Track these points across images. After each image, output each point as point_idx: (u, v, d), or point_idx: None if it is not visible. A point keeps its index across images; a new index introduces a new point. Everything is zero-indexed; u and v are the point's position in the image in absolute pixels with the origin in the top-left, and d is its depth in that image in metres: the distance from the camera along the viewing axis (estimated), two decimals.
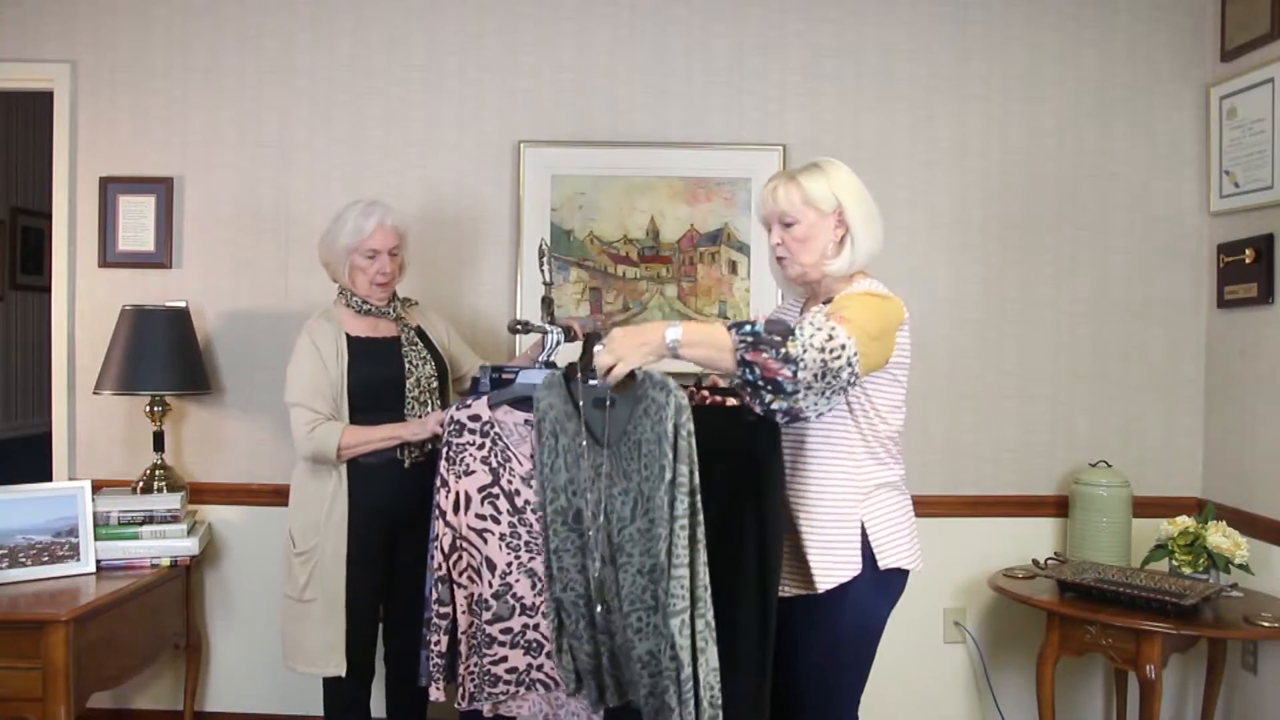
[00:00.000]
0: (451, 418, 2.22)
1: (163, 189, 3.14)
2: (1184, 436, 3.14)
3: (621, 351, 1.77)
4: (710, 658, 1.79)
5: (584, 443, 1.91)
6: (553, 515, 2.01)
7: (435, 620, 2.20)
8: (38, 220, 4.84)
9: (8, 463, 3.71)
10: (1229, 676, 2.89)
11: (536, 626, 2.18)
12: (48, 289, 3.23)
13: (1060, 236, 3.14)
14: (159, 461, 2.98)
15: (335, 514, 2.49)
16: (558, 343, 2.40)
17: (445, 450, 2.22)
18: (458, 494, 2.20)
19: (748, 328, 1.73)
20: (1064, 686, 3.05)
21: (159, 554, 2.81)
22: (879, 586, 1.94)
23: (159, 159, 3.15)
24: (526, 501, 2.18)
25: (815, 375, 1.70)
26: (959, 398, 3.15)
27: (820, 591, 1.90)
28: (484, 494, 2.20)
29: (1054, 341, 3.15)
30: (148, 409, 2.97)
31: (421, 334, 2.67)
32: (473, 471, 2.20)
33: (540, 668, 2.20)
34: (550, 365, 2.32)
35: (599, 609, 1.94)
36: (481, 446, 2.21)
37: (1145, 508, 3.00)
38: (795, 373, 1.69)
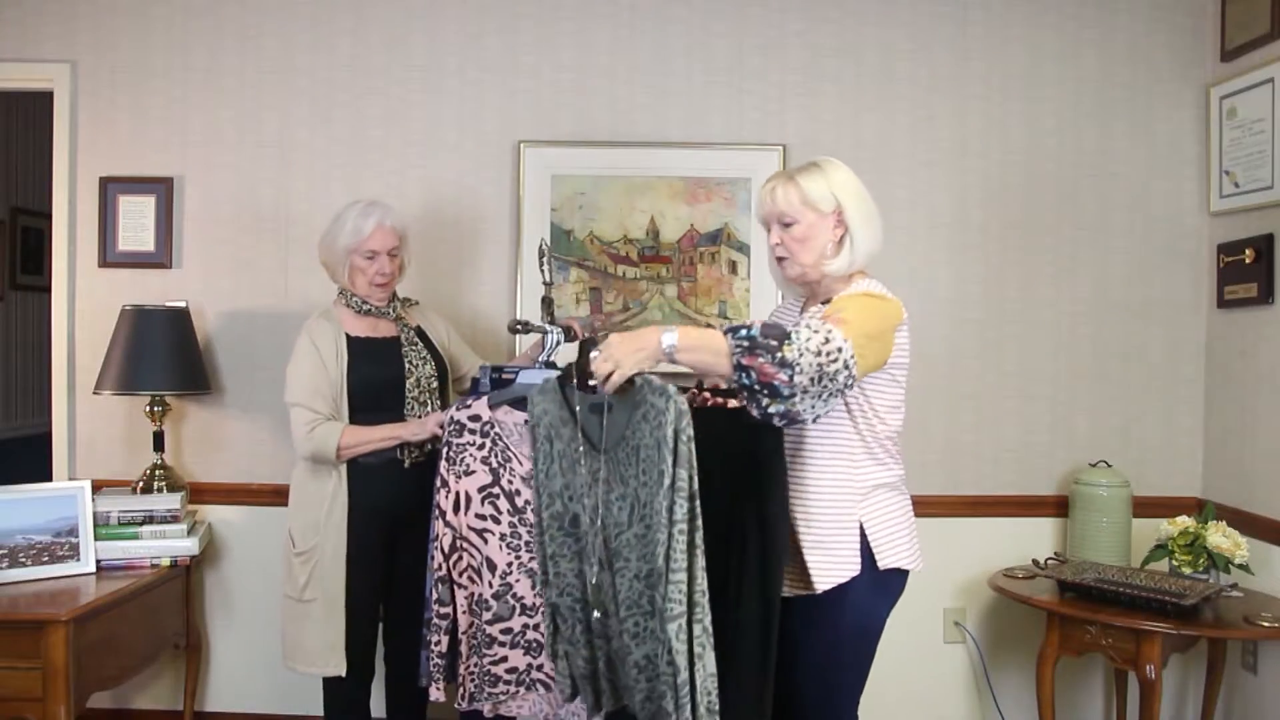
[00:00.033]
0: (452, 418, 2.22)
1: (163, 189, 3.14)
2: (1184, 436, 3.14)
3: (618, 357, 1.77)
4: (707, 663, 1.79)
5: (580, 448, 1.91)
6: (549, 520, 2.01)
7: (435, 620, 2.20)
8: (38, 220, 4.84)
9: (8, 463, 3.72)
10: (1229, 676, 2.89)
11: (537, 627, 2.18)
12: (48, 289, 3.23)
13: (1060, 236, 3.14)
14: (159, 461, 2.98)
15: (335, 514, 2.49)
16: (558, 343, 2.40)
17: (445, 450, 2.22)
18: (458, 494, 2.20)
19: (743, 332, 1.74)
20: (1064, 686, 3.05)
21: (159, 554, 2.81)
22: (878, 587, 1.94)
23: (159, 159, 3.16)
24: (527, 501, 2.18)
25: (811, 379, 1.70)
26: (959, 398, 3.15)
27: (819, 592, 1.90)
28: (484, 494, 2.20)
29: (1054, 341, 3.15)
30: (148, 409, 2.97)
31: (421, 334, 2.67)
32: (473, 471, 2.20)
33: (540, 668, 2.20)
34: (550, 365, 2.32)
35: (596, 615, 1.94)
36: (482, 446, 2.21)
37: (1145, 508, 3.00)
38: (791, 377, 1.69)
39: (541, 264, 2.51)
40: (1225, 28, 3.02)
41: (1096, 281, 3.14)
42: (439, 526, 2.20)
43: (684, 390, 1.88)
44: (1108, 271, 3.14)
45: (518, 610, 2.18)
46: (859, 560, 1.91)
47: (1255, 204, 2.86)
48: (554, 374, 2.05)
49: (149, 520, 2.82)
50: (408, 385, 2.54)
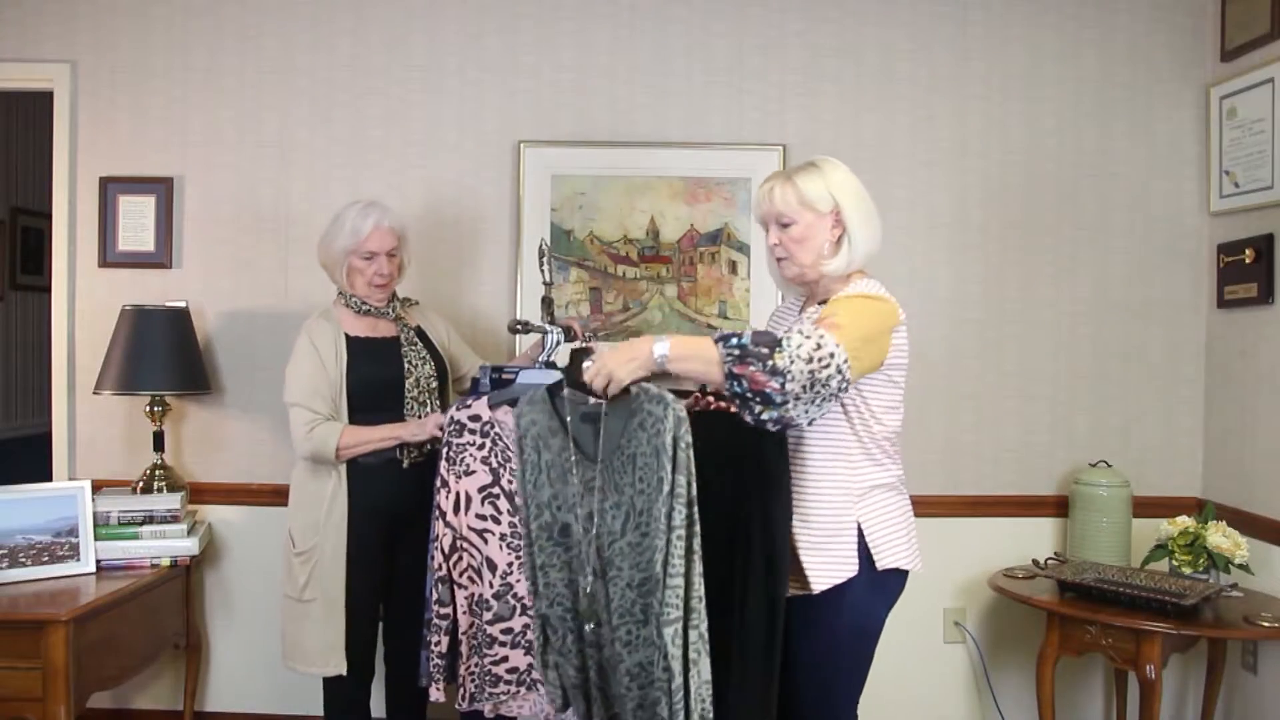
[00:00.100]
0: (452, 418, 2.22)
1: (163, 189, 3.14)
2: (1184, 436, 3.14)
3: (610, 369, 1.78)
4: (703, 669, 1.79)
5: (572, 458, 1.90)
6: (537, 531, 2.00)
7: (435, 620, 2.20)
8: (38, 220, 4.84)
9: (8, 463, 3.72)
10: (1229, 676, 2.89)
11: None
12: (48, 289, 3.23)
13: (1060, 236, 3.14)
14: (159, 461, 2.98)
15: (335, 514, 2.49)
16: (558, 343, 2.39)
17: (445, 450, 2.21)
18: (458, 494, 2.20)
19: (734, 340, 1.74)
20: (1064, 686, 3.04)
21: (159, 554, 2.81)
22: (876, 587, 1.93)
23: (159, 159, 3.16)
24: None
25: (803, 386, 1.70)
26: (959, 398, 3.15)
27: (816, 592, 1.90)
28: (484, 494, 2.20)
29: (1054, 341, 3.15)
30: (148, 409, 2.97)
31: (421, 334, 2.67)
32: (473, 471, 2.20)
33: None
34: (550, 365, 2.32)
35: (589, 627, 1.93)
36: (482, 447, 2.21)
37: (1145, 508, 3.00)
38: (783, 384, 1.69)
39: (541, 264, 2.51)
40: (1225, 28, 3.02)
41: (1096, 281, 3.14)
42: (439, 527, 2.20)
43: (684, 396, 1.88)
44: (1108, 271, 3.14)
45: (518, 610, 2.18)
46: (856, 561, 1.90)
47: (1255, 204, 2.85)
48: (554, 374, 2.05)
49: (149, 520, 2.82)
50: (407, 385, 2.54)
